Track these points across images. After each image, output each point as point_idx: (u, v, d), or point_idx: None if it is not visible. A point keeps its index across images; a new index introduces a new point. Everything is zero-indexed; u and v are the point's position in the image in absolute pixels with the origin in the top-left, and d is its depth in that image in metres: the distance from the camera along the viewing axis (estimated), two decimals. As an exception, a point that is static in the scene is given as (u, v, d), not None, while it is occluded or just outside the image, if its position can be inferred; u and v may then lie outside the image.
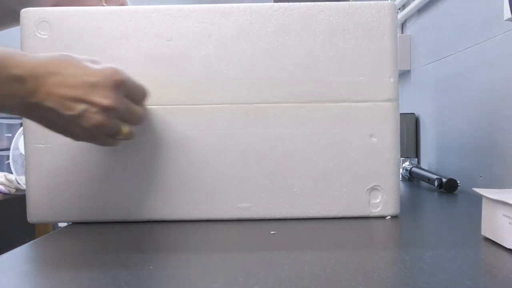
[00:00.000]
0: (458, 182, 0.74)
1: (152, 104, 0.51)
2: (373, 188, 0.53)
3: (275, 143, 0.53)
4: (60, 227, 0.55)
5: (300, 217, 0.53)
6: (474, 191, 0.41)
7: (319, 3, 0.53)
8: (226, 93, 0.52)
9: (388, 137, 0.53)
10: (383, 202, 0.53)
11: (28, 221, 0.53)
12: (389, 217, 0.53)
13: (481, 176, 0.76)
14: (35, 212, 0.52)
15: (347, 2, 0.55)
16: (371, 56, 0.53)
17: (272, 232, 0.46)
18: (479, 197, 0.41)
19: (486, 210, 0.40)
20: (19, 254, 0.40)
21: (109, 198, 0.52)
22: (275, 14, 0.53)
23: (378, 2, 0.54)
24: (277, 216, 0.53)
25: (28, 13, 0.52)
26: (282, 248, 0.40)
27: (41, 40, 0.52)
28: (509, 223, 0.36)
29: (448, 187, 0.74)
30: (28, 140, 0.52)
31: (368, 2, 0.54)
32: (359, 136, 0.53)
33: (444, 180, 0.73)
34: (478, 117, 0.78)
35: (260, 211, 0.53)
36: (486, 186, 0.73)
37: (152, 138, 0.52)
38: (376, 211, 0.53)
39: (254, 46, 0.53)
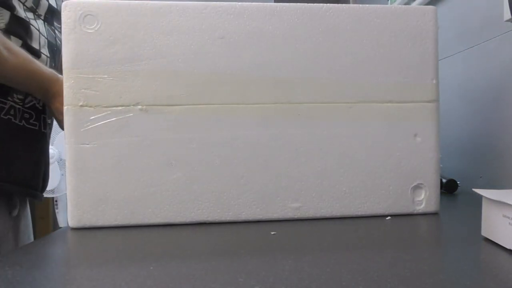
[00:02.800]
0: (458, 182, 0.74)
1: (201, 102, 0.51)
2: (417, 186, 0.55)
3: (325, 143, 0.53)
4: (61, 227, 0.55)
5: (349, 216, 0.54)
6: (474, 191, 0.41)
7: (367, 5, 0.54)
8: (278, 92, 0.53)
9: (430, 137, 0.55)
10: (426, 199, 0.55)
11: (70, 226, 0.51)
12: (389, 217, 0.53)
13: (481, 177, 0.76)
14: (78, 217, 0.51)
15: (392, 5, 0.55)
16: (415, 58, 0.55)
17: (272, 233, 0.46)
18: (479, 197, 0.41)
19: (486, 211, 0.40)
20: (19, 254, 0.40)
21: (157, 200, 0.51)
22: (326, 14, 0.53)
23: (421, 6, 0.56)
24: (327, 215, 0.53)
25: (71, 6, 0.50)
26: (282, 248, 0.40)
27: (86, 34, 0.50)
28: (509, 223, 0.36)
29: (448, 187, 0.74)
30: (70, 140, 0.51)
31: (412, 6, 0.55)
32: (404, 135, 0.54)
33: (444, 180, 0.73)
34: (477, 118, 0.78)
35: (311, 211, 0.53)
36: (486, 187, 0.73)
37: (201, 138, 0.52)
38: (419, 208, 0.55)
39: (305, 46, 0.53)
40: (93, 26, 0.50)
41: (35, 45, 0.62)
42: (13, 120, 0.60)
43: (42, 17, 0.65)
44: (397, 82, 0.54)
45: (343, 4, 0.55)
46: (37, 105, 0.64)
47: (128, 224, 0.51)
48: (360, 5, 0.54)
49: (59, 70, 0.58)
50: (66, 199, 0.51)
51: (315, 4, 0.53)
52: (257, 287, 0.29)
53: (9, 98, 0.59)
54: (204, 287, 0.30)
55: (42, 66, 0.60)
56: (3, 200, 0.61)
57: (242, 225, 0.51)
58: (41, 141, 0.67)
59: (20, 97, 0.60)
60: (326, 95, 0.53)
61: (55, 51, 0.67)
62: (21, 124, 0.61)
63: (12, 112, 0.59)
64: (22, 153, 0.62)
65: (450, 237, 0.44)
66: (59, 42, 0.69)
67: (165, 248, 0.42)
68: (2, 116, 0.58)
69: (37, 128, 0.64)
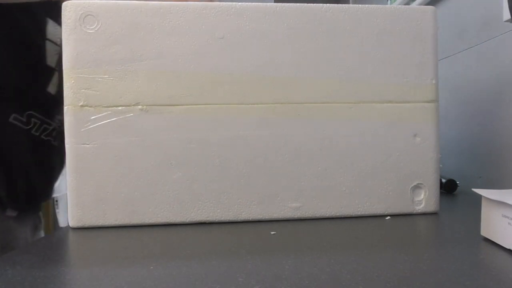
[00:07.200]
0: (458, 182, 0.74)
1: (201, 102, 0.51)
2: (417, 186, 0.55)
3: (325, 143, 0.53)
4: (61, 227, 0.55)
5: (349, 216, 0.54)
6: (473, 191, 0.41)
7: (367, 5, 0.54)
8: (278, 92, 0.53)
9: (430, 137, 0.55)
10: (426, 199, 0.55)
11: (70, 225, 0.51)
12: (389, 217, 0.53)
13: (480, 177, 0.76)
14: (78, 216, 0.51)
15: (392, 5, 0.56)
16: (415, 58, 0.55)
17: (272, 233, 0.46)
18: (479, 197, 0.41)
19: (485, 211, 0.40)
20: (19, 254, 0.40)
21: (157, 200, 0.51)
22: (326, 14, 0.53)
23: (421, 6, 0.56)
24: (327, 215, 0.54)
25: (71, 6, 0.50)
26: (282, 248, 0.40)
27: (87, 34, 0.50)
28: (509, 223, 0.36)
29: (448, 187, 0.74)
30: (70, 140, 0.51)
31: (412, 6, 0.55)
32: (404, 135, 0.54)
33: (443, 180, 0.74)
34: (477, 118, 0.78)
35: (310, 211, 0.53)
36: (485, 187, 0.73)
37: (201, 138, 0.52)
38: (419, 208, 0.55)
39: (305, 46, 0.53)
40: (93, 27, 0.51)
41: None
42: (52, 142, 0.63)
43: None
44: (397, 82, 0.54)
45: (343, 4, 0.55)
46: None
47: (129, 224, 0.51)
48: (360, 5, 0.54)
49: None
50: (67, 199, 0.52)
51: (315, 4, 0.53)
52: (257, 287, 0.29)
53: (56, 120, 0.61)
54: (204, 287, 0.30)
55: None
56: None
57: (242, 225, 0.51)
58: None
59: (60, 118, 0.62)
60: (326, 95, 0.53)
61: None
62: (56, 144, 0.64)
63: (54, 133, 0.61)
64: (59, 170, 0.65)
65: (450, 237, 0.44)
66: None
67: (165, 248, 0.42)
68: (42, 136, 0.60)
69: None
